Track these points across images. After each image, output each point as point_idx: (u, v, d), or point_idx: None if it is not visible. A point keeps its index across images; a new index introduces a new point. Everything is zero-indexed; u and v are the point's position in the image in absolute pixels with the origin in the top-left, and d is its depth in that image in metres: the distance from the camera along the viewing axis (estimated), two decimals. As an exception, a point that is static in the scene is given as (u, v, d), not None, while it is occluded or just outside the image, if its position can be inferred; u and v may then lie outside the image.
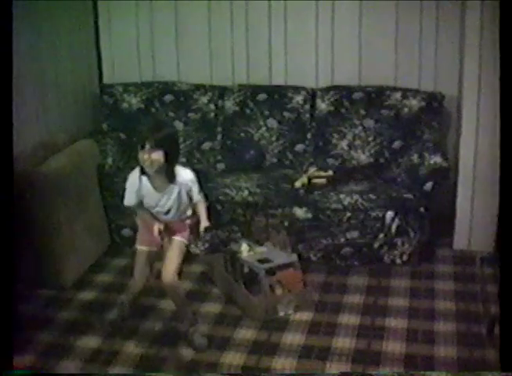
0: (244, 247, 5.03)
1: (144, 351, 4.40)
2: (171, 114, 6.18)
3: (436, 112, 5.72)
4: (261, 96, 6.02)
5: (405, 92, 5.76)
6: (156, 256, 4.49)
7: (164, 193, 4.27)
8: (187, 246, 4.49)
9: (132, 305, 4.66)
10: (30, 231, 4.93)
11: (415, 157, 5.51)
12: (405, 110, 5.71)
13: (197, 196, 4.39)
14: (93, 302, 4.99)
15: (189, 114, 6.17)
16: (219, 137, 6.11)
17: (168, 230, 4.37)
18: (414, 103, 5.71)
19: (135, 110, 6.22)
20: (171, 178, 4.25)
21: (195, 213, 4.46)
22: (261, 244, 5.12)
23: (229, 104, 6.08)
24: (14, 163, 5.00)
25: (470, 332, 4.50)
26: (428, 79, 5.89)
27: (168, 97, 6.21)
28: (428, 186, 5.27)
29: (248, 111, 6.02)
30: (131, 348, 4.43)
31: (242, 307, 4.84)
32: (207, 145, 6.12)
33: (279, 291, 4.79)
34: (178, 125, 6.14)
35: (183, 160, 6.10)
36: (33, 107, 5.45)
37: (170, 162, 4.18)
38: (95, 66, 6.49)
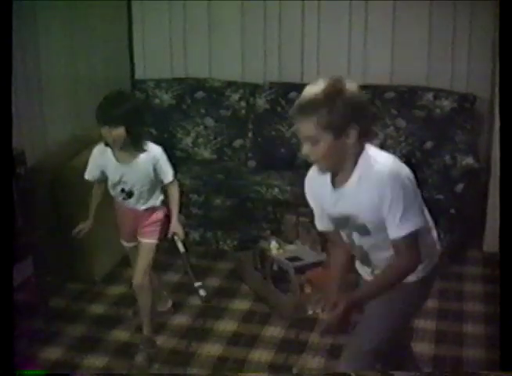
0: (274, 244, 5.04)
1: (174, 344, 4.44)
2: (203, 111, 6.20)
3: (468, 113, 5.69)
4: (293, 94, 5.99)
5: (438, 93, 5.74)
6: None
7: (127, 166, 4.08)
8: (157, 244, 4.28)
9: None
10: (62, 224, 4.96)
11: (446, 158, 5.49)
12: (437, 110, 5.69)
13: (168, 174, 4.15)
14: (123, 296, 5.02)
15: (221, 111, 6.18)
16: (250, 134, 6.10)
17: (136, 227, 4.26)
18: (446, 103, 5.68)
19: (167, 106, 6.25)
20: (135, 149, 4.05)
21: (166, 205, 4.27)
22: (291, 242, 5.13)
23: (261, 102, 6.08)
24: (47, 157, 5.08)
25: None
26: (461, 80, 5.85)
27: (200, 94, 6.23)
28: (459, 187, 5.25)
29: (279, 109, 6.02)
30: (162, 341, 4.47)
31: (271, 305, 4.85)
32: (238, 142, 6.13)
33: (308, 290, 4.80)
34: (209, 122, 6.17)
35: (214, 156, 6.13)
36: (66, 102, 5.49)
37: (134, 136, 4.00)
38: (127, 62, 6.52)
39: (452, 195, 5.24)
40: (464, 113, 5.67)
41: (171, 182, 4.18)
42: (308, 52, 6.16)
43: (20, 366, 3.80)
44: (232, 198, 5.56)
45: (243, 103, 6.16)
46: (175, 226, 4.18)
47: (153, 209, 4.23)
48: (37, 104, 5.16)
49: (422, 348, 4.35)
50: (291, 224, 5.24)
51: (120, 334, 4.57)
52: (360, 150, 2.91)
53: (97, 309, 4.88)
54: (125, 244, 4.41)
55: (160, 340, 4.47)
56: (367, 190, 2.90)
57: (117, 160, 4.09)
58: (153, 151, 4.10)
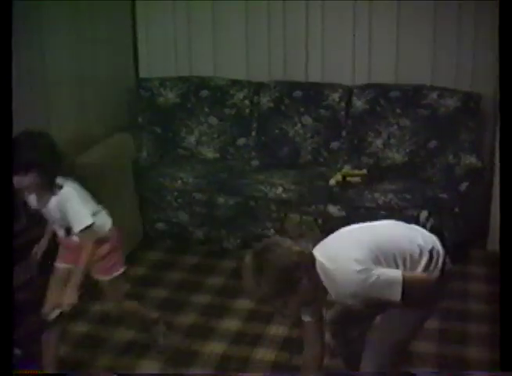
0: (277, 243, 5.02)
1: (178, 343, 4.45)
2: (207, 109, 6.19)
3: (472, 112, 5.67)
4: (297, 93, 6.00)
5: (442, 92, 5.72)
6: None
7: (46, 210, 3.73)
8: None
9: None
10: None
11: (450, 157, 5.50)
12: (442, 109, 5.67)
13: (73, 224, 3.66)
14: (126, 294, 5.01)
15: (225, 110, 6.17)
16: (254, 133, 6.09)
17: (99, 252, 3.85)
18: (451, 102, 5.67)
19: (171, 104, 6.25)
20: (50, 191, 3.64)
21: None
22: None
23: (265, 100, 6.07)
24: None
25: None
26: (465, 79, 5.83)
27: (204, 92, 6.22)
28: (463, 186, 5.25)
29: (283, 108, 6.01)
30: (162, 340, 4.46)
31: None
32: (241, 141, 6.13)
33: (311, 289, 4.78)
34: (213, 120, 6.17)
35: (217, 155, 6.13)
36: (70, 102, 5.49)
37: (47, 179, 3.59)
38: (131, 60, 6.51)
39: (456, 194, 5.24)
40: (469, 112, 5.66)
41: (79, 233, 3.70)
42: (312, 50, 6.14)
43: (22, 366, 3.81)
44: (235, 197, 5.56)
45: (247, 102, 6.15)
46: (68, 295, 3.75)
47: (97, 241, 3.80)
48: (42, 103, 5.16)
49: (425, 347, 4.34)
50: (294, 223, 5.24)
51: (125, 333, 4.57)
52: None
53: (101, 306, 4.87)
54: (65, 265, 3.92)
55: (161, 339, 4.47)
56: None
57: (37, 203, 3.74)
58: (63, 195, 3.65)
